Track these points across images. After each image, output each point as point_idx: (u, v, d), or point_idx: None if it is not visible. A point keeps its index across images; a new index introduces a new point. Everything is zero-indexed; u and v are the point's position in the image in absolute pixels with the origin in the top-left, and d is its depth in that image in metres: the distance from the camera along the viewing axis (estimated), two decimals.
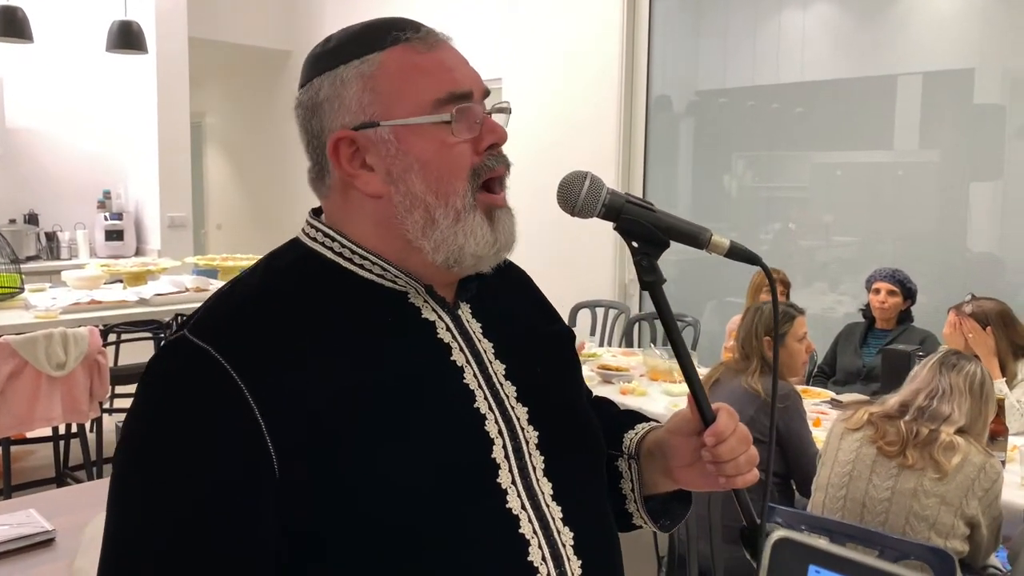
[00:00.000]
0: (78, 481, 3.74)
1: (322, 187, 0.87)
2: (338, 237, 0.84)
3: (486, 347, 0.87)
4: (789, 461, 2.44)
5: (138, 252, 6.02)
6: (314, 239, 0.86)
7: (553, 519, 0.83)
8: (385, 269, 0.84)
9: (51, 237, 5.81)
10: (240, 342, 0.76)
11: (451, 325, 0.86)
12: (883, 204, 3.99)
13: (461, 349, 0.85)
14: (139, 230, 6.10)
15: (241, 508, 0.72)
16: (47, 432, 3.71)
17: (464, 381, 0.83)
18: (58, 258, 5.78)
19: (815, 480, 2.17)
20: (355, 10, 6.28)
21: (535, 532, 0.81)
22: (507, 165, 0.86)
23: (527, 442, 0.84)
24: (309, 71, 0.85)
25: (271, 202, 7.46)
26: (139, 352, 4.55)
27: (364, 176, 0.82)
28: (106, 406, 4.33)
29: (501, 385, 0.86)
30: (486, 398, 0.84)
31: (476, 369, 0.85)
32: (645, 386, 3.27)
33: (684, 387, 3.07)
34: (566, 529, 0.83)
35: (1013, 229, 3.66)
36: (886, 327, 3.39)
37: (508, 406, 0.85)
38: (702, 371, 3.30)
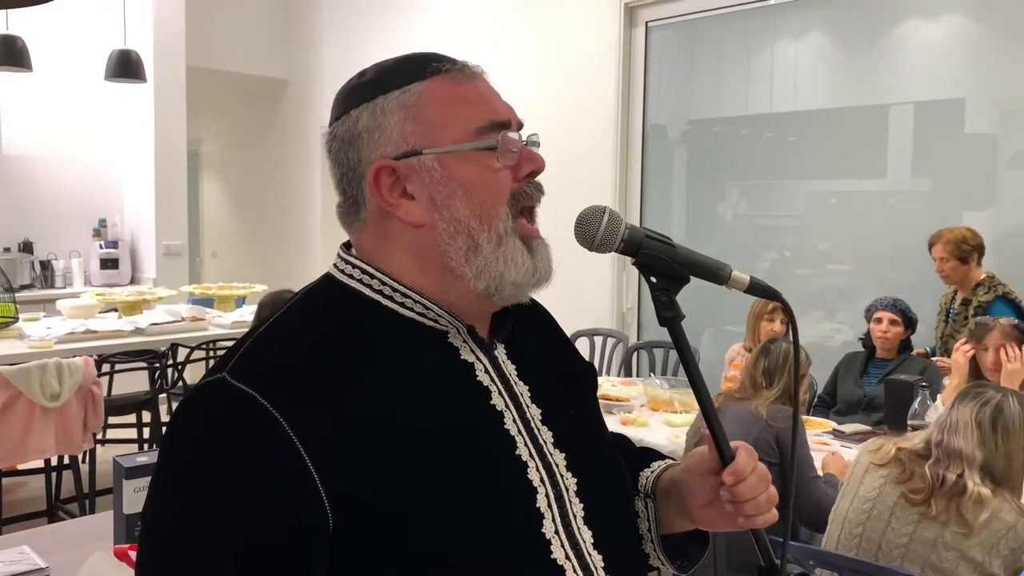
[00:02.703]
0: (71, 514, 3.69)
1: (355, 221, 0.86)
2: (377, 273, 0.83)
3: (522, 390, 0.86)
4: (790, 482, 2.42)
5: (133, 281, 5.99)
6: (350, 276, 0.85)
7: (596, 569, 0.82)
8: (427, 307, 0.83)
9: (46, 265, 5.78)
10: (284, 386, 0.73)
11: (489, 367, 0.85)
12: (877, 232, 4.01)
13: (500, 393, 0.84)
14: (134, 258, 6.08)
15: (293, 561, 0.70)
16: (39, 464, 3.66)
17: (505, 427, 0.82)
18: (53, 287, 5.75)
19: (833, 511, 2.12)
20: (352, 40, 6.33)
21: None
22: (543, 193, 0.87)
23: (567, 489, 0.83)
24: (344, 103, 0.85)
25: (267, 230, 7.45)
26: (133, 382, 4.51)
27: (406, 205, 0.82)
28: (100, 437, 4.28)
29: (539, 430, 0.85)
30: (526, 444, 0.83)
31: (515, 414, 0.84)
32: (646, 416, 3.24)
33: (686, 418, 3.08)
34: None
35: (1007, 257, 3.67)
36: (887, 356, 3.39)
37: (547, 452, 0.84)
38: None
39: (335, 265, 0.87)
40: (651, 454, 1.07)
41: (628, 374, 4.43)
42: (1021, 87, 3.59)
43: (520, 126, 0.86)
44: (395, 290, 0.83)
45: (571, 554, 0.80)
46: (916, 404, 2.69)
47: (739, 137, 4.57)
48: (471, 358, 0.84)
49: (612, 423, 3.18)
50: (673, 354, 4.36)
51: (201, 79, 6.46)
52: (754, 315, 3.62)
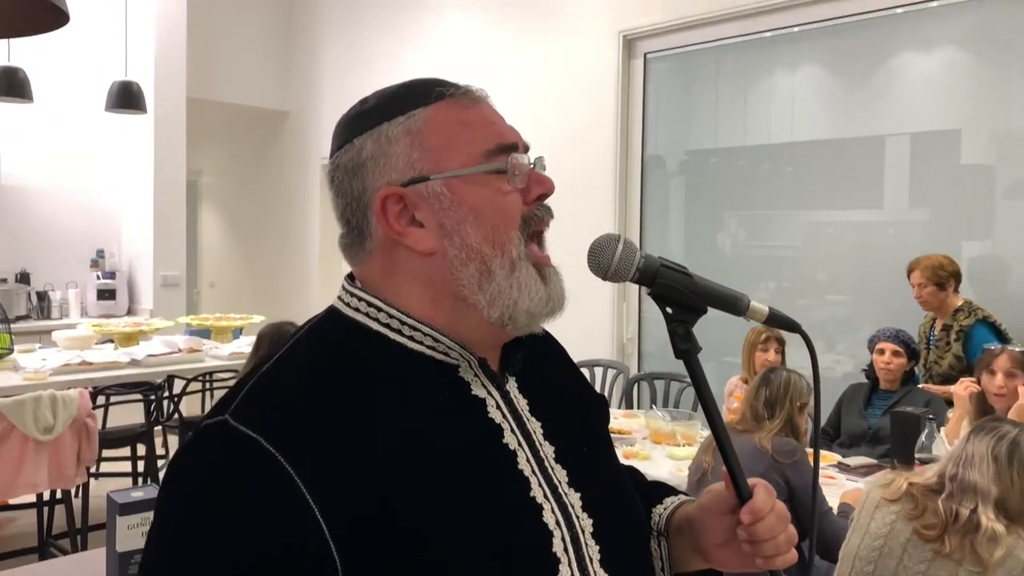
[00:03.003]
0: (62, 551, 3.62)
1: (360, 252, 0.83)
2: (384, 306, 0.80)
3: (535, 427, 0.83)
4: (801, 518, 2.38)
5: (130, 312, 5.96)
6: (356, 309, 0.82)
7: None
8: (437, 340, 0.80)
9: (42, 296, 5.76)
10: (289, 429, 0.70)
11: (501, 403, 0.82)
12: (876, 263, 4.00)
13: (512, 431, 0.81)
14: (132, 289, 6.06)
15: None
16: (30, 499, 3.60)
17: (518, 467, 0.79)
18: (49, 317, 5.72)
19: (843, 548, 2.08)
20: (352, 72, 6.37)
21: None
22: (552, 216, 0.85)
23: (583, 531, 0.80)
24: (346, 132, 0.83)
25: (265, 261, 7.44)
26: (129, 415, 4.46)
27: (415, 233, 0.79)
28: (93, 470, 4.22)
29: (553, 469, 0.82)
30: (540, 485, 0.79)
31: (529, 453, 0.81)
32: (648, 449, 3.20)
33: (688, 451, 3.04)
34: None
35: (1006, 288, 3.66)
36: (890, 388, 3.36)
37: (562, 492, 0.81)
38: (704, 433, 3.26)
39: (339, 298, 0.84)
40: (663, 489, 1.04)
41: (629, 406, 4.39)
42: (1016, 118, 3.60)
43: (527, 149, 0.85)
44: (403, 323, 0.80)
45: None
46: (923, 437, 2.65)
47: (737, 168, 4.59)
48: (483, 393, 0.81)
49: None
50: (674, 385, 4.33)
51: (201, 110, 6.49)
52: (748, 345, 3.60)
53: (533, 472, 0.79)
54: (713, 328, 4.32)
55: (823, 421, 3.61)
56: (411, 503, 0.71)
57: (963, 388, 2.84)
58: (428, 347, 0.80)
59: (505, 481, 0.78)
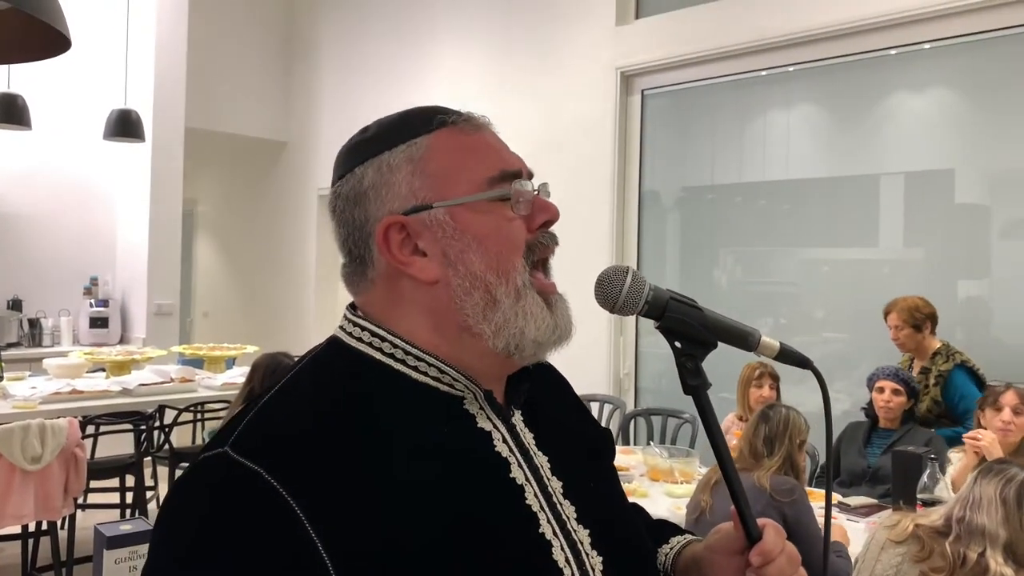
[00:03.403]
0: None
1: (363, 281, 0.81)
2: (388, 336, 0.78)
3: (542, 462, 0.81)
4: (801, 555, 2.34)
5: (123, 340, 5.91)
6: (359, 339, 0.80)
7: None
8: (442, 371, 0.78)
9: (34, 323, 5.71)
10: (291, 463, 0.68)
11: (507, 436, 0.80)
12: (871, 300, 4.00)
13: (520, 465, 0.79)
14: (124, 317, 6.02)
15: None
16: (15, 529, 3.53)
17: (526, 502, 0.77)
18: (40, 345, 5.67)
19: None
20: (350, 103, 6.41)
21: None
22: (557, 243, 0.84)
23: (593, 569, 0.78)
24: (348, 161, 0.82)
25: (259, 291, 7.41)
26: (118, 445, 4.40)
27: (419, 262, 0.78)
28: (80, 501, 4.15)
29: (561, 505, 0.79)
30: (549, 521, 0.77)
31: (536, 488, 0.78)
32: (646, 487, 3.16)
33: (687, 488, 3.00)
34: None
35: (1003, 326, 3.66)
36: (890, 426, 3.33)
37: (571, 528, 0.78)
38: (701, 471, 3.22)
39: (342, 327, 0.82)
40: (668, 528, 1.01)
41: (625, 442, 4.35)
42: (1009, 159, 3.63)
43: (531, 175, 0.84)
44: (408, 353, 0.78)
45: None
46: (925, 477, 2.62)
47: (733, 204, 4.60)
48: (488, 426, 0.79)
49: None
50: (671, 421, 4.29)
51: (199, 139, 6.51)
52: (742, 381, 3.58)
53: (542, 508, 0.77)
54: (708, 362, 4.31)
55: (822, 459, 3.57)
56: (417, 540, 0.68)
57: (970, 440, 2.82)
58: (433, 378, 0.78)
59: (513, 517, 0.75)
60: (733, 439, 3.33)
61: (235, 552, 0.64)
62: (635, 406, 4.69)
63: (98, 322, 5.80)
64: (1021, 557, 1.80)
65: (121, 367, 4.40)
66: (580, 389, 3.84)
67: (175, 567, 0.66)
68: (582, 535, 0.79)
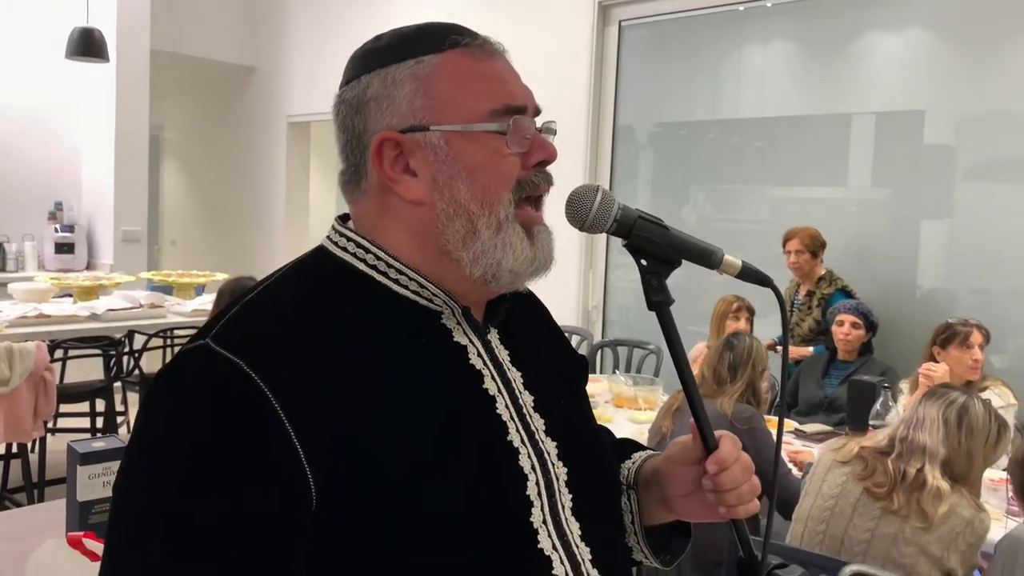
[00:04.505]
0: (18, 504, 3.58)
1: (356, 191, 0.83)
2: (372, 248, 0.80)
3: (515, 376, 0.84)
4: (772, 480, 2.45)
5: (89, 266, 5.84)
6: (344, 248, 0.82)
7: (583, 560, 0.80)
8: (422, 286, 0.80)
9: None
10: (273, 357, 0.70)
11: (482, 351, 0.83)
12: (838, 239, 4.07)
13: (493, 377, 0.82)
14: (91, 244, 5.93)
15: (274, 545, 0.66)
16: None
17: (497, 411, 0.80)
18: (4, 270, 5.58)
19: (796, 510, 2.15)
20: (321, 29, 6.25)
21: (567, 574, 0.78)
22: (551, 183, 0.84)
23: (557, 478, 0.81)
24: (356, 67, 0.82)
25: (228, 219, 7.32)
26: (88, 369, 4.39)
27: (407, 181, 0.79)
28: (51, 425, 4.16)
29: (531, 417, 0.83)
30: (518, 431, 0.80)
31: (508, 399, 0.81)
32: (610, 413, 3.25)
33: (649, 415, 3.09)
34: (595, 572, 0.80)
35: (962, 266, 3.76)
36: (848, 359, 3.44)
37: (539, 439, 0.82)
38: (665, 398, 3.31)
39: (328, 237, 0.84)
40: (630, 445, 1.05)
41: (593, 371, 4.44)
42: (978, 101, 3.67)
43: (537, 112, 0.84)
44: (390, 266, 0.80)
45: (558, 544, 0.78)
46: (878, 405, 2.73)
47: (705, 141, 4.61)
48: (464, 340, 0.82)
49: None
50: (637, 352, 4.38)
51: (165, 63, 6.33)
52: (719, 314, 3.66)
53: (512, 418, 0.80)
54: (680, 295, 4.39)
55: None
56: (389, 437, 0.71)
57: (925, 371, 2.91)
58: (413, 292, 0.80)
59: (484, 423, 0.78)
60: (696, 369, 3.42)
61: (215, 438, 0.67)
62: (602, 337, 4.78)
63: (64, 248, 5.71)
64: (958, 473, 1.93)
65: (88, 292, 4.36)
66: None
67: (154, 464, 0.68)
68: (549, 446, 0.82)
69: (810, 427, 3.15)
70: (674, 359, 0.87)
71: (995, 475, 2.40)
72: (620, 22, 4.74)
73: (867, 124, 4.03)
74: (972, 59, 3.66)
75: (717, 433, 0.88)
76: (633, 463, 0.99)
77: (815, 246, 3.76)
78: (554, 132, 0.85)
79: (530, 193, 0.81)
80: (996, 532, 2.07)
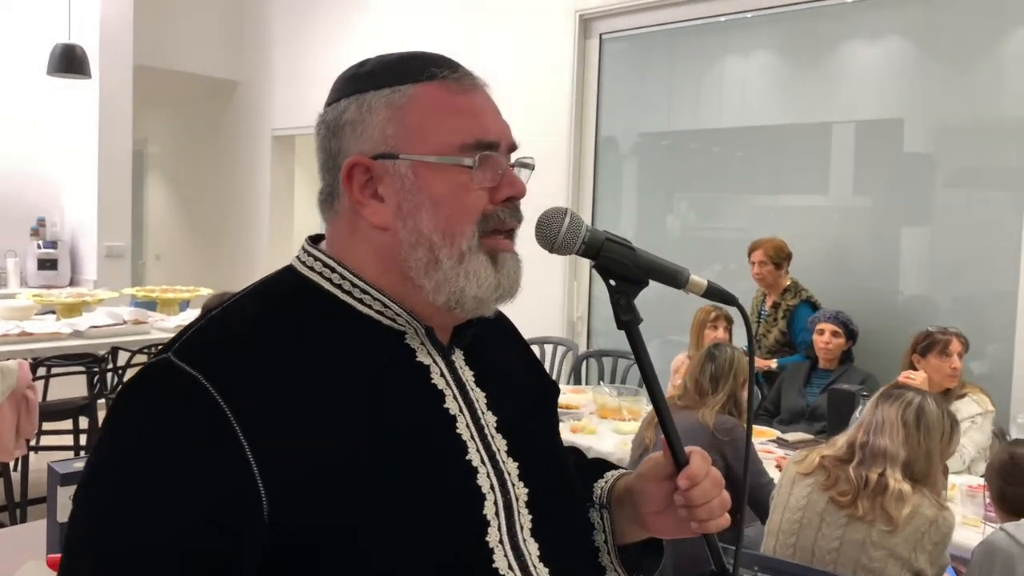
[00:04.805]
0: (1, 525, 3.55)
1: (330, 211, 0.84)
2: (338, 268, 0.82)
3: (479, 396, 0.85)
4: (738, 493, 2.46)
5: (72, 282, 5.81)
6: (311, 268, 0.83)
7: None
8: (385, 306, 0.81)
9: None
10: (232, 371, 0.72)
11: (445, 371, 0.84)
12: (819, 247, 4.11)
13: (455, 397, 0.82)
14: (74, 260, 5.90)
15: (221, 554, 0.68)
16: None
17: (457, 431, 0.81)
18: None
19: (767, 524, 2.18)
20: (303, 41, 6.26)
21: None
22: (519, 220, 0.85)
23: (517, 499, 0.82)
24: (338, 90, 0.84)
25: (212, 233, 7.30)
26: (71, 387, 4.36)
27: (374, 206, 0.81)
28: (33, 444, 4.13)
29: (493, 438, 0.83)
30: (478, 450, 0.81)
31: (469, 419, 0.82)
32: (595, 424, 3.27)
33: (634, 425, 3.10)
34: None
35: (942, 273, 3.80)
36: (829, 367, 3.47)
37: (500, 460, 0.83)
38: (648, 408, 3.33)
39: (298, 257, 0.86)
40: (603, 465, 1.05)
41: (577, 382, 4.45)
42: (956, 109, 3.72)
43: (513, 147, 0.85)
44: (355, 286, 0.81)
45: (514, 564, 0.78)
46: (857, 413, 2.76)
47: (688, 151, 4.65)
48: (428, 360, 0.83)
49: (562, 431, 3.19)
50: (622, 362, 4.40)
51: (148, 77, 6.32)
52: (698, 323, 3.69)
53: (472, 438, 0.81)
54: (661, 307, 4.40)
55: (765, 400, 3.72)
56: (346, 454, 0.72)
57: (904, 379, 2.95)
58: (376, 311, 0.81)
59: (442, 443, 0.79)
60: (679, 379, 3.44)
61: (171, 452, 0.69)
62: (587, 348, 4.80)
63: (47, 264, 5.69)
64: (918, 474, 1.97)
65: (71, 309, 4.34)
66: (535, 332, 3.95)
67: (111, 472, 0.70)
68: (511, 467, 0.83)
69: (792, 436, 3.17)
70: (643, 376, 0.88)
71: (973, 482, 2.43)
72: (601, 35, 4.78)
73: (847, 133, 4.08)
74: (950, 68, 3.71)
75: (687, 449, 0.89)
76: (606, 482, 0.99)
77: (779, 257, 3.79)
78: (531, 167, 0.86)
79: (496, 227, 0.82)
80: (973, 539, 2.10)
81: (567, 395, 3.77)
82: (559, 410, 3.29)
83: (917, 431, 1.96)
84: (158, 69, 6.39)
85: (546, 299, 4.76)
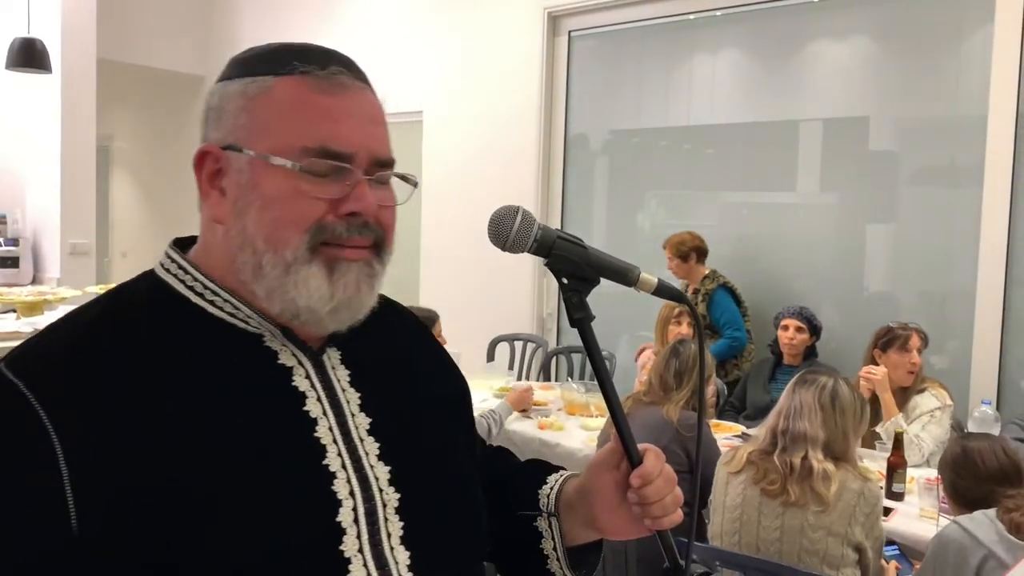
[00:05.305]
0: None
1: (200, 200, 0.81)
2: (191, 269, 0.79)
3: (351, 397, 0.81)
4: (705, 488, 2.49)
5: (35, 281, 5.71)
6: (167, 270, 0.81)
7: None
8: (236, 308, 0.78)
9: None
10: (59, 379, 0.69)
11: (311, 372, 0.79)
12: (787, 244, 4.16)
13: (319, 399, 0.78)
14: (37, 257, 5.79)
15: (21, 565, 0.65)
16: None
17: (315, 434, 0.76)
18: None
19: (709, 529, 2.21)
20: (272, 37, 6.09)
21: None
22: (365, 237, 0.78)
23: (384, 505, 0.78)
24: (219, 76, 0.82)
25: (180, 229, 7.09)
26: None
27: (215, 197, 0.78)
28: None
29: (362, 441, 0.79)
30: (339, 455, 0.77)
31: (333, 421, 0.78)
32: (563, 420, 3.28)
33: (601, 422, 3.12)
34: None
35: (905, 269, 3.86)
36: (793, 363, 3.51)
37: (366, 464, 0.78)
38: None
39: (160, 260, 0.83)
40: (542, 467, 1.02)
41: (547, 378, 4.47)
42: (919, 107, 3.78)
43: (376, 160, 0.78)
44: (205, 287, 0.78)
45: (376, 575, 0.75)
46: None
47: (658, 148, 4.68)
48: (291, 362, 0.79)
49: (530, 427, 3.20)
50: None
51: (113, 72, 6.22)
52: (661, 320, 3.72)
53: (334, 441, 0.77)
54: (627, 303, 4.43)
55: (731, 395, 3.76)
56: (182, 459, 0.69)
57: (866, 376, 2.99)
58: (228, 313, 0.78)
59: (295, 446, 0.75)
60: (644, 375, 3.47)
61: None
62: (557, 344, 4.81)
63: (8, 262, 5.58)
64: (838, 452, 2.05)
65: (32, 308, 4.27)
66: (504, 329, 3.95)
67: None
68: (380, 471, 0.79)
69: (756, 430, 3.20)
70: (596, 373, 0.88)
71: (931, 475, 2.48)
72: (570, 32, 4.79)
73: (814, 130, 4.13)
74: (913, 66, 3.77)
75: (641, 447, 0.90)
76: (551, 488, 0.96)
77: (683, 251, 3.96)
78: (385, 182, 0.81)
79: (332, 241, 0.76)
80: (930, 531, 2.14)
81: (536, 392, 3.78)
82: (533, 407, 3.32)
83: (833, 412, 2.04)
84: (123, 64, 6.29)
85: (516, 296, 4.77)
